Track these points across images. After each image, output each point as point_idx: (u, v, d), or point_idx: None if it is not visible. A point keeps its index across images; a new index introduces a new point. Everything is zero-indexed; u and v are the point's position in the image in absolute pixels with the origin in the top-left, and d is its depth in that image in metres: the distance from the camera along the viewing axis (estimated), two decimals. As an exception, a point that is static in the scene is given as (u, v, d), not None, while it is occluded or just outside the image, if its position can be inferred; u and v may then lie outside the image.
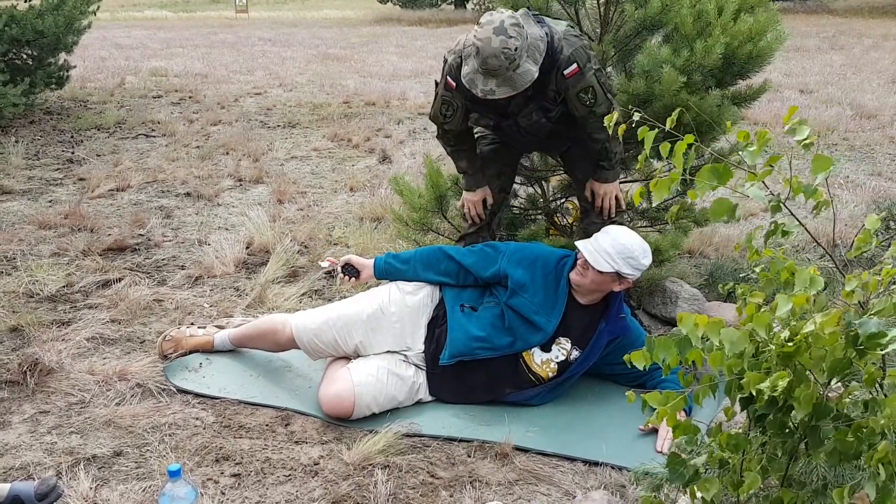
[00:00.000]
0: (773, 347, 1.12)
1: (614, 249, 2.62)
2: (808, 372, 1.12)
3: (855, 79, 10.32)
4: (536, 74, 2.64)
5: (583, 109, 2.80)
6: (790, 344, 1.10)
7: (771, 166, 1.24)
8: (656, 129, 1.36)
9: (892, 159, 6.33)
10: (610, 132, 1.61)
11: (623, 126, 1.46)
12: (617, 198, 3.09)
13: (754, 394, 1.14)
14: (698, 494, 1.32)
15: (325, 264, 3.03)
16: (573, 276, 2.71)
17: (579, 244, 2.69)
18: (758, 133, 1.30)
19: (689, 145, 1.30)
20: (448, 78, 2.86)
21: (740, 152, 1.26)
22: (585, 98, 2.77)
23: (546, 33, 2.70)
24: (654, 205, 3.48)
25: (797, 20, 18.35)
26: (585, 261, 2.64)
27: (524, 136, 3.01)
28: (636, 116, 1.38)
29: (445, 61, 2.87)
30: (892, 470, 1.10)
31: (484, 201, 3.16)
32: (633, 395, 1.49)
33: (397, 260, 2.94)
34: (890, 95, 8.95)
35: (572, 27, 2.84)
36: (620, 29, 3.26)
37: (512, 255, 2.80)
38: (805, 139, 1.24)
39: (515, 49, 2.57)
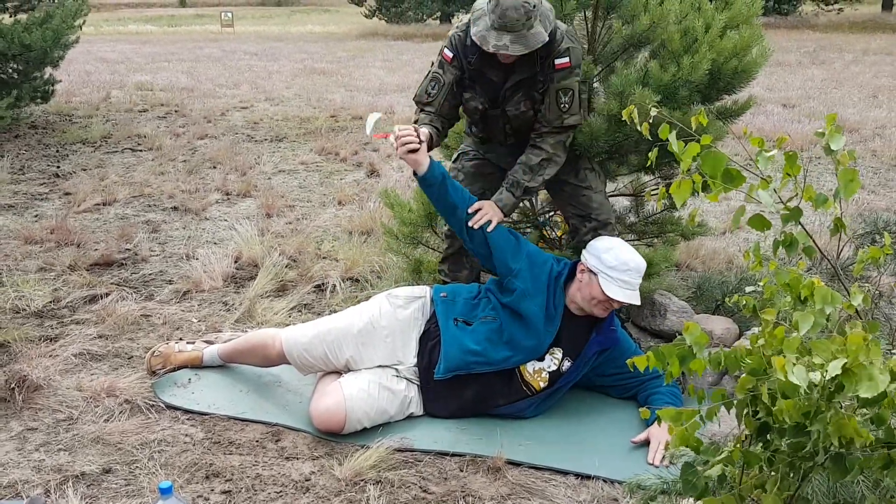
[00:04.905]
0: (819, 382, 1.09)
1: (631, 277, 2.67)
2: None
3: (836, 93, 10.46)
4: (546, 38, 2.68)
5: (555, 111, 2.82)
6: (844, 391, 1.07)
7: (789, 174, 1.24)
8: (676, 128, 1.36)
9: (874, 172, 6.41)
10: (639, 128, 1.58)
11: (646, 125, 1.46)
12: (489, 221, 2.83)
13: (786, 419, 1.11)
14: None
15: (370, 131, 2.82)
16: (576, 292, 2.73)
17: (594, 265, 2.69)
18: (778, 139, 1.31)
19: (705, 146, 1.30)
20: (445, 50, 2.88)
21: (757, 158, 1.26)
22: (563, 99, 2.79)
23: (553, 18, 2.76)
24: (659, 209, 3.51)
25: (779, 35, 18.56)
26: (608, 297, 2.66)
27: (507, 138, 3.00)
28: (654, 112, 1.38)
29: (448, 38, 2.89)
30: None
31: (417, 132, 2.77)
32: (647, 412, 1.48)
33: (451, 182, 2.81)
34: (871, 109, 9.07)
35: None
36: (607, 45, 3.28)
37: (529, 256, 2.80)
38: (836, 150, 1.24)
39: (534, 6, 2.62)
